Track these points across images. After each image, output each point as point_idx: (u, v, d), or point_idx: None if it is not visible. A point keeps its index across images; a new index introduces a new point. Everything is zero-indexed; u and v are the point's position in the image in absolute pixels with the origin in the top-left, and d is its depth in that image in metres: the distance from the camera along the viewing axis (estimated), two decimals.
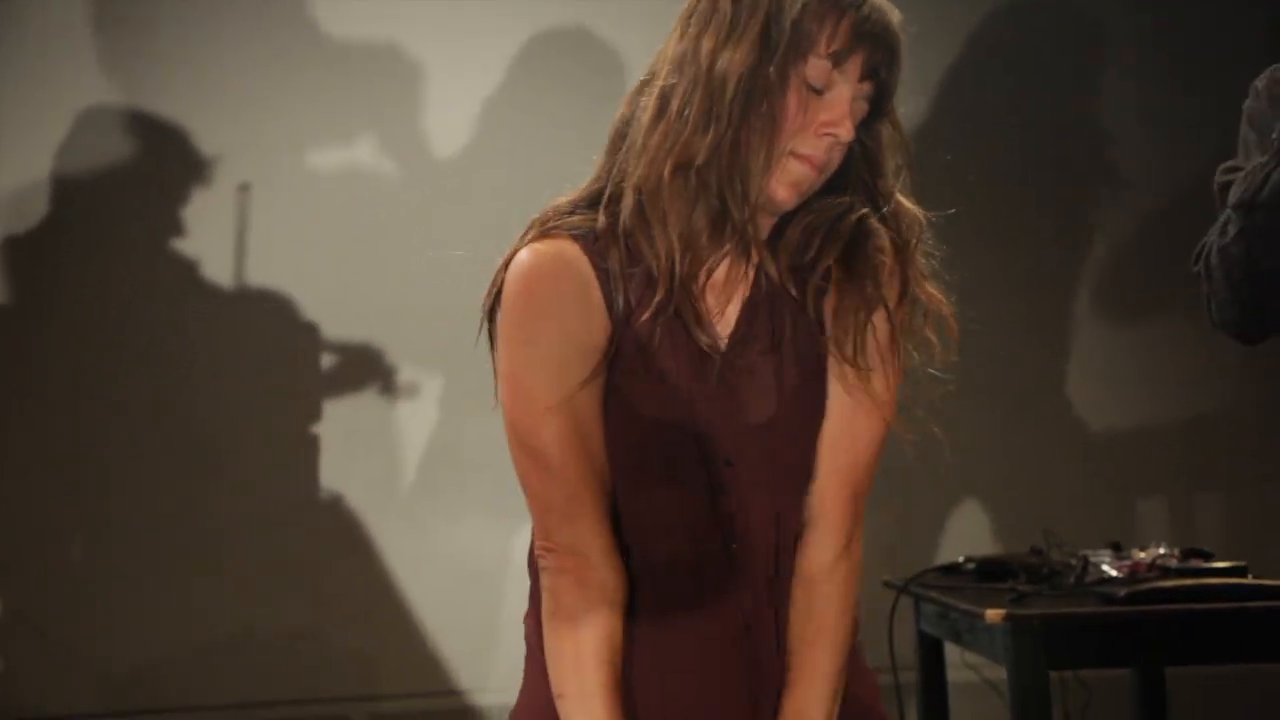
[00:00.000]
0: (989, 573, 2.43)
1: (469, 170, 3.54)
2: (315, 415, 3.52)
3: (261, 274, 3.49)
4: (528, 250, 1.31)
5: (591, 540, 1.30)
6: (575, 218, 1.33)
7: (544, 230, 1.32)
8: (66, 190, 3.44)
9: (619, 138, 1.34)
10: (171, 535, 3.43)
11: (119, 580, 3.40)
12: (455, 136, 3.57)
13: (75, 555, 3.38)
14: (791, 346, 1.34)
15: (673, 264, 1.29)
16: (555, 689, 1.31)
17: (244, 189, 3.45)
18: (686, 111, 1.27)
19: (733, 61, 1.26)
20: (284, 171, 3.49)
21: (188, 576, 3.42)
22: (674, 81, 1.29)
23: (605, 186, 1.34)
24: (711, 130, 1.26)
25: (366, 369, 3.52)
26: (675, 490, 1.32)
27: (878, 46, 1.29)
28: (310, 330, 3.51)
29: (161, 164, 3.47)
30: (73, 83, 3.44)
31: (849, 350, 1.33)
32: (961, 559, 2.55)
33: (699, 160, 1.27)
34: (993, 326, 3.57)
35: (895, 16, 1.31)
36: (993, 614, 2.12)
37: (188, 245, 3.46)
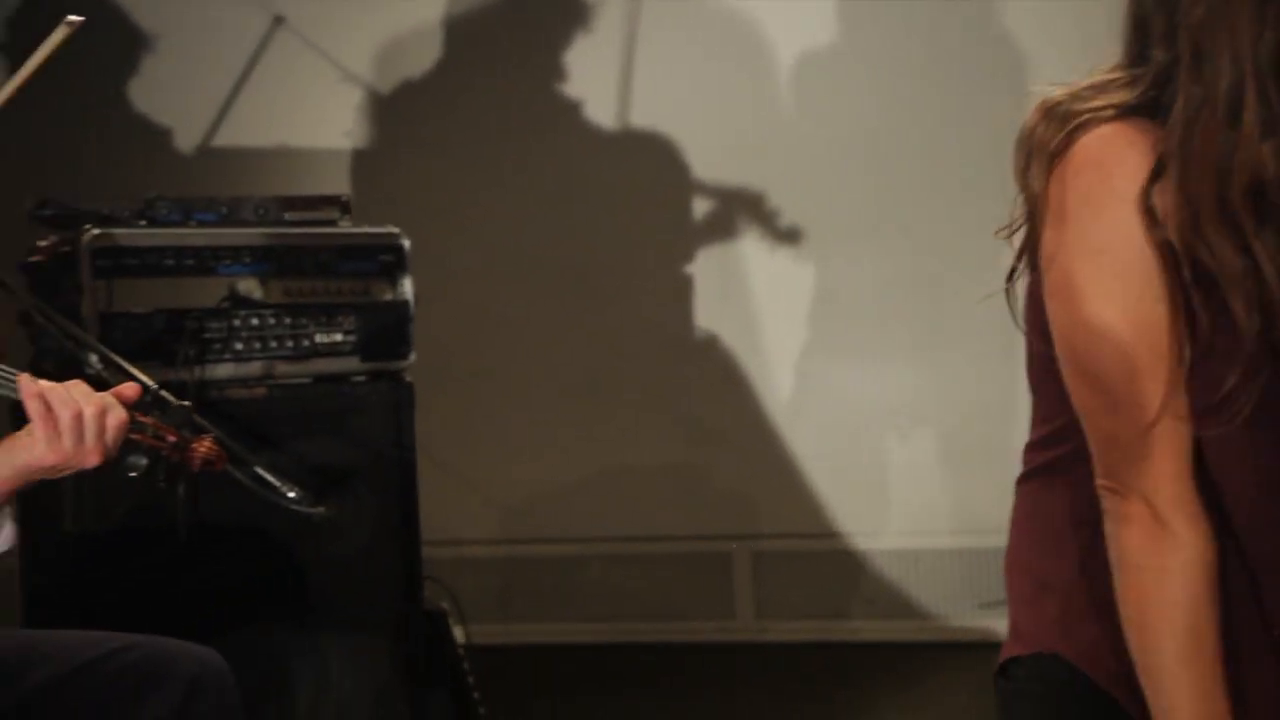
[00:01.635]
0: None
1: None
2: (689, 256, 3.53)
3: (643, 116, 3.51)
4: (1113, 129, 1.12)
5: (1166, 488, 1.10)
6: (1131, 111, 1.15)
7: (1120, 114, 1.13)
8: (450, 35, 3.51)
9: (1152, 31, 1.14)
10: (560, 373, 3.51)
11: (512, 416, 3.50)
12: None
13: (473, 392, 3.47)
14: None
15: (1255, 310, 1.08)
16: (1135, 657, 1.13)
17: None
18: (1244, 115, 1.07)
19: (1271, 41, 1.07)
20: (665, 13, 3.50)
21: (575, 412, 3.50)
22: (1214, 66, 1.08)
23: (1150, 91, 1.14)
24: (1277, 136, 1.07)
25: (745, 211, 3.51)
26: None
27: None
28: (688, 170, 3.51)
29: (542, 10, 3.51)
30: None
31: None
32: None
33: (1270, 175, 1.08)
34: None
35: None
36: None
37: (571, 87, 3.50)
